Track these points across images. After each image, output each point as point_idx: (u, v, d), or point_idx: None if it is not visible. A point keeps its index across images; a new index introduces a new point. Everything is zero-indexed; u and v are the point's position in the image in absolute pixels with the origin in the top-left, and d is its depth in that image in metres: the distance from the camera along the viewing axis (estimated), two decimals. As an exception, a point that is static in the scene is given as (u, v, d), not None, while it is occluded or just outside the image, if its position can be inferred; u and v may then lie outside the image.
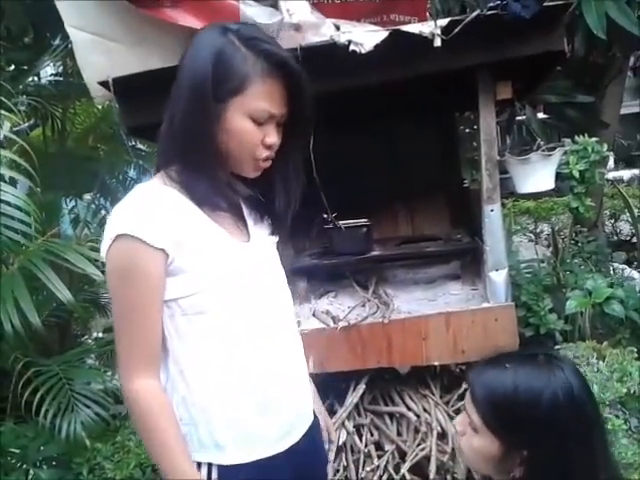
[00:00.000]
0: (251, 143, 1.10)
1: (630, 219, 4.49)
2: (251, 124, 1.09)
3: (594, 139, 1.97)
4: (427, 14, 2.41)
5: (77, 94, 3.41)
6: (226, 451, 1.11)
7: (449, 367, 2.30)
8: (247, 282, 1.14)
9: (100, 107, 3.90)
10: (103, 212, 3.92)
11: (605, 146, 1.97)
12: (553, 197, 5.08)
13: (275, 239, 1.27)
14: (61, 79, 3.75)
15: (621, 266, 3.50)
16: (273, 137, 1.12)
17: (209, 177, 1.10)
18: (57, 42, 3.34)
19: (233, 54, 1.06)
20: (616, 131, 3.71)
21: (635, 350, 1.85)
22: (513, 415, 0.98)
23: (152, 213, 1.05)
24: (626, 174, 7.87)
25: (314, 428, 1.27)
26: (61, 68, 3.79)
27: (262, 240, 1.21)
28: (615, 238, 5.28)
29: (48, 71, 3.91)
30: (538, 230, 5.20)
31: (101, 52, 1.98)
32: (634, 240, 4.59)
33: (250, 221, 1.21)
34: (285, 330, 1.21)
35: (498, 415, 1.00)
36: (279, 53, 1.09)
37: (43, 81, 3.79)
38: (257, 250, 1.18)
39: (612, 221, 5.49)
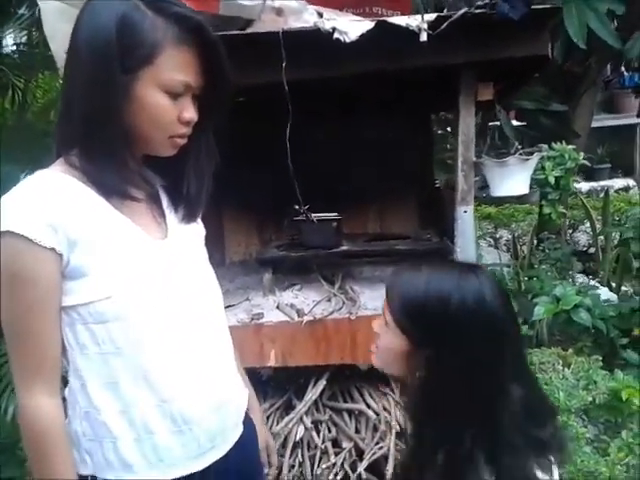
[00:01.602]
0: (166, 119, 0.98)
1: (590, 230, 4.58)
2: (165, 98, 0.96)
3: (571, 146, 1.98)
4: (410, 10, 2.38)
5: (41, 66, 3.28)
6: (135, 470, 1.00)
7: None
8: (159, 285, 1.01)
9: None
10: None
11: (582, 154, 1.98)
12: (514, 204, 5.15)
13: (201, 232, 1.16)
14: (24, 50, 3.60)
15: (578, 275, 3.56)
16: (191, 112, 1.00)
17: (116, 162, 0.97)
18: (22, 11, 3.20)
19: (140, 19, 0.93)
20: (585, 142, 3.77)
21: (600, 358, 1.87)
22: (421, 315, 1.01)
23: (43, 206, 0.91)
24: (585, 186, 8.07)
25: (246, 439, 1.16)
26: (24, 38, 3.64)
27: (182, 234, 1.09)
28: (573, 248, 5.38)
29: (9, 41, 3.74)
30: (497, 236, 5.27)
31: (70, 21, 1.84)
32: (591, 251, 4.69)
33: (169, 212, 1.09)
34: (207, 334, 1.09)
35: (407, 314, 1.02)
36: (192, 17, 0.97)
37: (5, 51, 3.63)
38: (175, 247, 1.06)
39: (570, 231, 5.60)
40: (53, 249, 0.91)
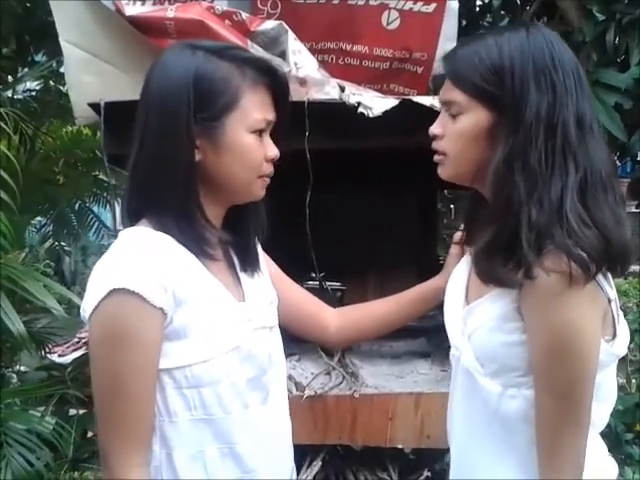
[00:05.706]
0: (257, 159, 1.01)
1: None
2: (254, 138, 1.00)
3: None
4: (426, 90, 2.42)
5: (53, 114, 3.28)
6: None
7: (403, 450, 2.19)
8: (245, 350, 1.01)
9: (70, 131, 3.79)
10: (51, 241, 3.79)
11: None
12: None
13: (274, 300, 1.16)
14: (37, 96, 3.62)
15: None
16: (275, 149, 1.05)
17: (202, 219, 0.98)
18: (38, 58, 3.24)
19: (215, 69, 0.98)
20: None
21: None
22: (505, 72, 0.98)
23: (153, 264, 0.91)
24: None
25: None
26: (38, 85, 3.67)
27: (257, 298, 1.10)
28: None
29: (23, 87, 3.77)
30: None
31: (94, 73, 1.91)
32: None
33: (240, 272, 1.10)
34: (281, 404, 1.11)
35: (490, 78, 0.99)
36: (262, 58, 1.04)
37: (17, 96, 3.65)
38: (253, 311, 1.07)
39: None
40: (161, 309, 0.90)
